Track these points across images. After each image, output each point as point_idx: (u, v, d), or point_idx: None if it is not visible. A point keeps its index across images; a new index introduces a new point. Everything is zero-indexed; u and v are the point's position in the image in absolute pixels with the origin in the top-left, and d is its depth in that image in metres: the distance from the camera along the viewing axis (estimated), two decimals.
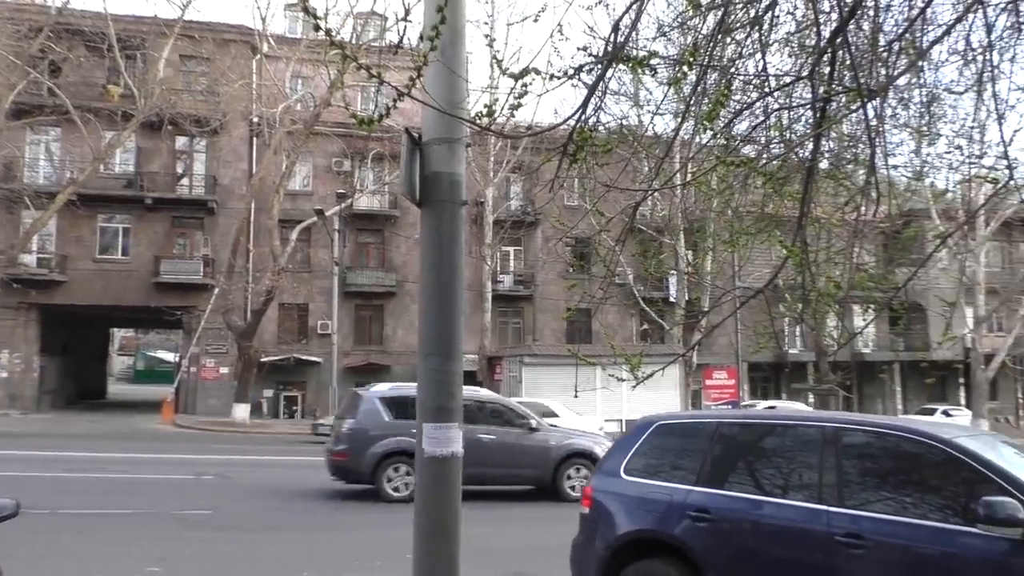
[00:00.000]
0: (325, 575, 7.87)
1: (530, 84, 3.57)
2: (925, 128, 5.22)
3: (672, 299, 32.95)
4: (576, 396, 6.68)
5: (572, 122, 3.92)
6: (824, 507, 4.97)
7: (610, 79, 3.88)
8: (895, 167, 6.16)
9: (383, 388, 13.81)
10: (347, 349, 33.90)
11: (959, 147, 6.06)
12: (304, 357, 33.73)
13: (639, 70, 3.52)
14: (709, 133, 4.00)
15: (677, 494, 5.58)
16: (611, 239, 6.42)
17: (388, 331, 35.63)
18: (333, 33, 3.39)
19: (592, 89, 3.71)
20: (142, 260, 32.42)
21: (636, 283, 31.92)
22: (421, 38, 4.31)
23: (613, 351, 5.12)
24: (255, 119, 32.51)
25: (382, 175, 33.78)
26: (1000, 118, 3.69)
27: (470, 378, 31.20)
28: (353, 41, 25.61)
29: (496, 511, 11.96)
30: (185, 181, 34.17)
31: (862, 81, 3.35)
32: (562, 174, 4.23)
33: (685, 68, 3.78)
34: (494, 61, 3.97)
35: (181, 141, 33.27)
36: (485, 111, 3.80)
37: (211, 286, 30.49)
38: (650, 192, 4.27)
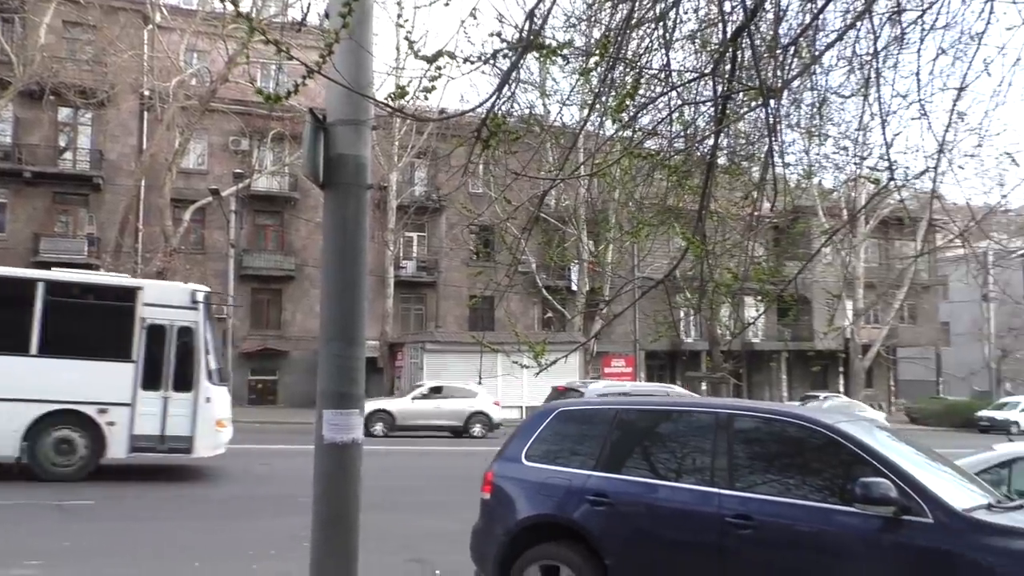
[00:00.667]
0: (216, 565, 7.65)
1: (444, 68, 3.54)
2: (815, 129, 5.48)
3: (574, 288, 33.46)
4: (480, 383, 6.78)
5: (485, 108, 3.91)
6: (715, 490, 5.17)
7: (521, 67, 3.89)
8: (787, 165, 6.44)
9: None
10: (243, 334, 32.91)
11: (845, 148, 6.39)
12: None
13: (549, 60, 3.55)
14: (615, 124, 4.08)
15: (577, 479, 5.69)
16: (516, 228, 6.46)
17: (287, 316, 34.81)
18: (238, 4, 3.27)
19: (507, 75, 3.71)
20: (20, 237, 30.51)
21: (539, 272, 32.28)
22: (327, 15, 4.21)
23: (517, 338, 5.17)
24: (146, 92, 31.01)
25: (282, 156, 32.86)
26: (883, 122, 3.92)
27: (370, 365, 30.88)
28: (254, 16, 24.73)
29: (402, 497, 11.95)
30: (68, 155, 32.33)
31: (761, 81, 3.49)
32: (473, 161, 4.23)
33: (594, 60, 3.83)
34: (407, 42, 3.91)
35: (64, 112, 31.41)
36: (398, 92, 3.75)
37: (96, 266, 28.97)
38: (557, 182, 4.33)
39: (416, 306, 37.55)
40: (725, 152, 4.46)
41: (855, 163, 6.17)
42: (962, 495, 4.84)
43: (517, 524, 5.80)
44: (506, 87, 3.81)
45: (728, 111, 3.75)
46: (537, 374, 4.97)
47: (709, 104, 3.90)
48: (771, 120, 3.58)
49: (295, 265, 34.44)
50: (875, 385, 42.04)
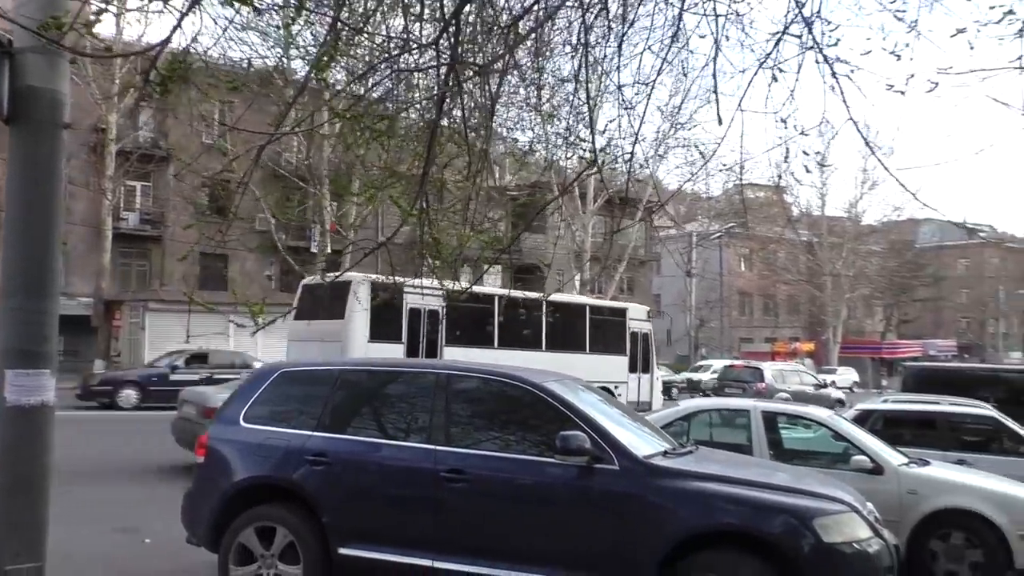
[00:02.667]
0: None
1: (113, 1, 3.29)
2: (541, 107, 5.84)
3: (314, 249, 32.67)
4: (187, 341, 6.48)
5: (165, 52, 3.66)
6: (433, 447, 5.41)
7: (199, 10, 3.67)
8: (515, 140, 6.79)
9: None
10: None
11: (568, 129, 6.86)
12: None
13: (235, 3, 3.42)
14: (320, 83, 4.04)
15: (296, 440, 5.66)
16: (254, 184, 6.20)
17: None
18: None
19: (183, 16, 3.48)
20: None
21: (278, 231, 31.08)
22: None
23: (235, 298, 5.00)
24: None
25: None
26: (590, 108, 4.28)
27: (83, 324, 27.97)
28: None
29: (124, 465, 11.22)
30: None
31: (480, 56, 3.67)
32: (188, 107, 3.99)
33: (295, 12, 3.75)
34: None
35: None
36: (52, 22, 3.42)
37: None
38: (274, 137, 4.21)
39: (139, 262, 34.57)
40: (454, 122, 4.61)
41: (571, 143, 6.64)
42: (645, 444, 5.50)
43: (233, 487, 5.66)
44: (189, 29, 3.61)
45: (452, 82, 3.88)
46: (253, 334, 4.85)
47: (433, 74, 4.02)
48: (489, 95, 3.76)
49: None
50: None
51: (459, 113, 4.33)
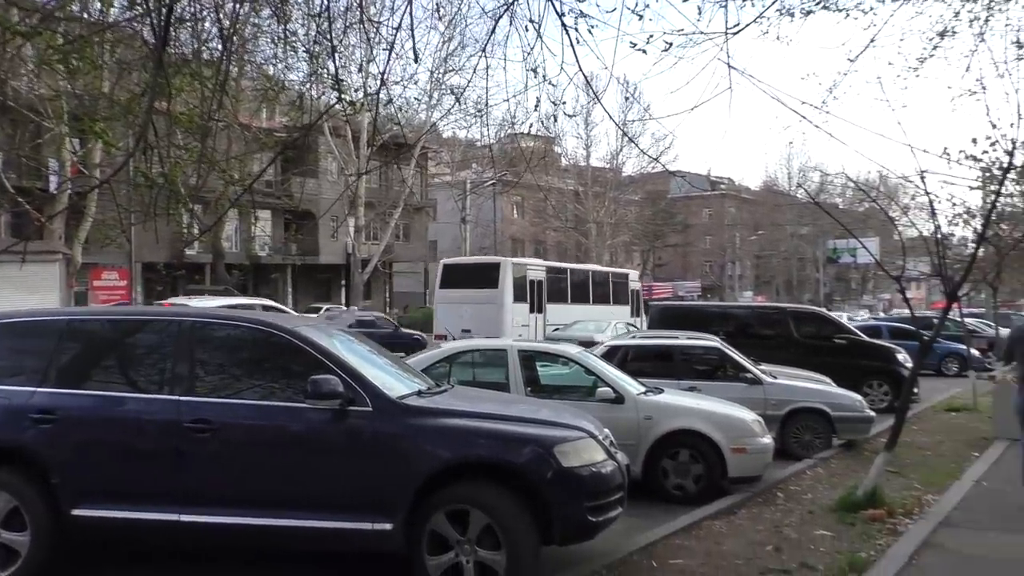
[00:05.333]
0: None
1: None
2: (290, 41, 5.58)
3: (53, 190, 29.31)
4: None
5: None
6: (177, 397, 5.14)
7: None
8: (268, 76, 6.45)
9: None
10: None
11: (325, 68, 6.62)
12: None
13: None
14: None
15: (18, 397, 5.15)
16: None
17: None
18: None
19: None
20: None
21: (7, 170, 27.48)
22: None
23: None
24: None
25: None
26: (332, 49, 4.16)
27: None
28: None
29: None
30: None
31: None
32: None
33: None
34: None
35: None
36: None
37: None
38: None
39: None
40: (183, 51, 4.27)
41: (333, 86, 6.45)
42: (400, 385, 5.59)
43: None
44: None
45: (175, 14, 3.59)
46: None
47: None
48: (229, 17, 3.53)
49: None
50: (373, 297, 45.50)
51: (191, 40, 4.03)
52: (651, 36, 6.65)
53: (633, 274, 33.65)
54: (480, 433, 5.14)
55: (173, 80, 4.10)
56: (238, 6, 3.95)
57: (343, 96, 5.00)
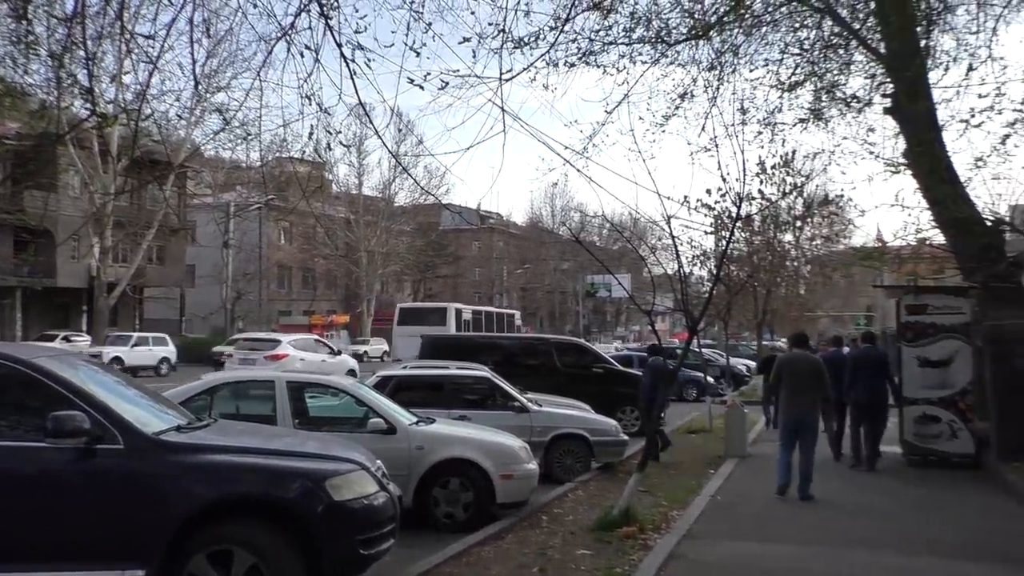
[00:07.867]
0: None
1: None
2: (29, 41, 5.04)
3: None
4: None
5: None
6: None
7: None
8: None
9: None
10: None
11: (73, 75, 6.06)
12: None
13: None
14: None
15: None
16: None
17: None
18: None
19: None
20: None
21: None
22: None
23: None
24: None
25: None
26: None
27: None
28: None
29: None
30: None
31: None
32: None
33: None
34: None
35: None
36: None
37: None
38: None
39: None
40: None
41: (80, 93, 5.90)
42: (157, 420, 5.19)
43: None
44: None
45: None
46: None
47: None
48: None
49: None
50: (120, 323, 41.68)
51: None
52: (428, 74, 6.83)
53: (517, 314, 43.71)
54: (244, 468, 4.91)
55: None
56: None
57: (96, 108, 4.62)
